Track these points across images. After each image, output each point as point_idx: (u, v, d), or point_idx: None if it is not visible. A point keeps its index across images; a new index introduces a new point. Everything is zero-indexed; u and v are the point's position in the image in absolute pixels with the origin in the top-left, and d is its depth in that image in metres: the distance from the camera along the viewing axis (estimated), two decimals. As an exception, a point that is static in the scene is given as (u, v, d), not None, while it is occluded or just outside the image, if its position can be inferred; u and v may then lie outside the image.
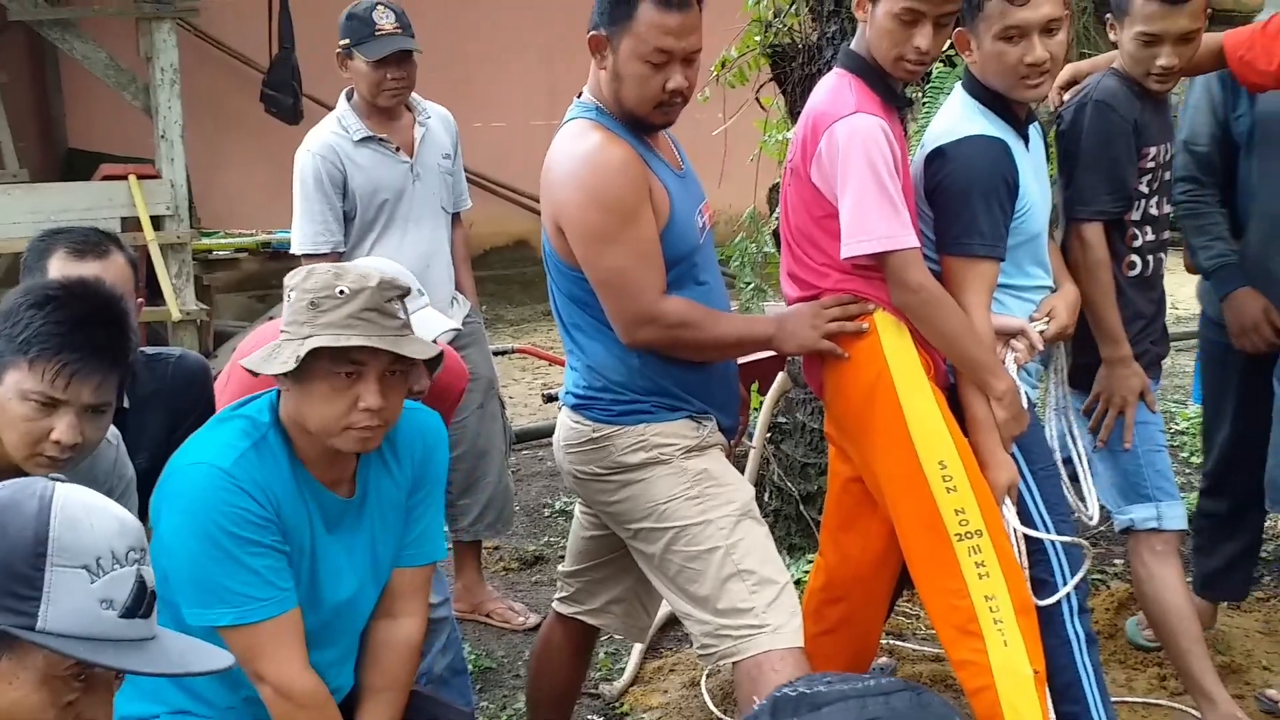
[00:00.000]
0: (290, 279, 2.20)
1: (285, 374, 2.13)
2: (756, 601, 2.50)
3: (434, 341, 2.72)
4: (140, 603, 1.47)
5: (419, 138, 3.82)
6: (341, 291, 2.11)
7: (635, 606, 2.89)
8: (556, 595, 2.97)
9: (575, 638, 2.95)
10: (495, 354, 5.10)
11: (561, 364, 5.85)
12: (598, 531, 2.82)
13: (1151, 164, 2.93)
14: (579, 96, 2.63)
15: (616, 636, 3.41)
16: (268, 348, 2.19)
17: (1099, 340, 2.89)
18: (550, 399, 5.20)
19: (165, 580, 1.94)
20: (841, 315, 2.58)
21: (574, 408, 2.68)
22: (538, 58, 9.51)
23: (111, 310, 2.16)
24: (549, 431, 6.03)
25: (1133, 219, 2.94)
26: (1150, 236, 2.97)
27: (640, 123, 2.56)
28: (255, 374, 2.20)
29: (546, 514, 4.95)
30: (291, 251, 3.82)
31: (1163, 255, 3.03)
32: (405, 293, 2.22)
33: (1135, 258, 2.96)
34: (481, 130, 8.68)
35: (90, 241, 2.64)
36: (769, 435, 4.13)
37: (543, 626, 3.05)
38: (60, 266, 2.56)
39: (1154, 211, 2.97)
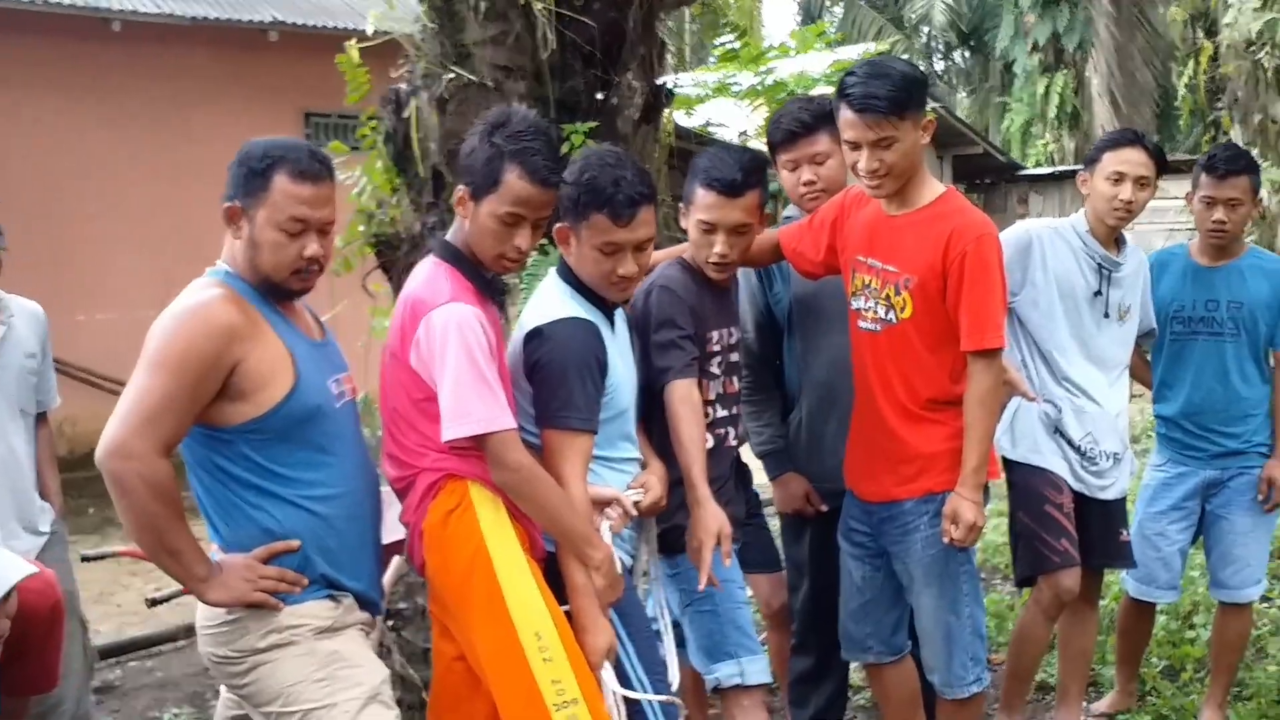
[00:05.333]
0: None
1: None
2: None
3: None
4: None
5: (0, 336, 3.61)
6: None
7: None
8: None
9: None
10: (98, 558, 4.77)
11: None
12: (241, 712, 2.71)
13: (717, 347, 3.16)
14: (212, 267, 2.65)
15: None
16: None
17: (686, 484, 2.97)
18: (155, 603, 4.89)
19: None
20: (277, 578, 2.55)
21: None
22: (150, 247, 9.23)
23: None
24: (158, 640, 5.69)
25: (707, 399, 3.13)
26: (721, 412, 3.19)
27: (277, 289, 2.60)
28: None
29: (154, 728, 4.62)
30: None
31: (732, 428, 3.24)
32: None
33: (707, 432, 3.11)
34: (86, 323, 8.29)
35: None
36: (390, 623, 4.06)
37: None
38: None
39: (721, 390, 3.19)
